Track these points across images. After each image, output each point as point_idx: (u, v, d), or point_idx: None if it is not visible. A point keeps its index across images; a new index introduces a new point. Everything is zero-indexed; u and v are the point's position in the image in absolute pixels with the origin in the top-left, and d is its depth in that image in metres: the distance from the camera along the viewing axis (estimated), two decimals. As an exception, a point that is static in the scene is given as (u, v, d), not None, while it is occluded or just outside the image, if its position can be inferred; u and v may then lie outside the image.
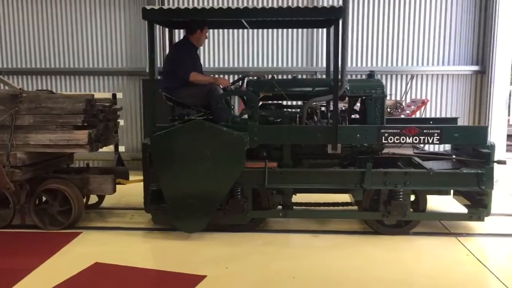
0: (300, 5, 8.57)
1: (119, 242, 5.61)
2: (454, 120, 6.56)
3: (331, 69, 6.06)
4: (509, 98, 9.90)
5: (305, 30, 9.34)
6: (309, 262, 4.99)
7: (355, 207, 6.04)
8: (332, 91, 5.61)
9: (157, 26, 8.82)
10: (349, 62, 9.22)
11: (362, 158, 5.88)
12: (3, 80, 6.21)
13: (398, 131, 5.55)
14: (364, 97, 5.89)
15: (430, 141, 5.57)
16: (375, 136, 5.58)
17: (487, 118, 9.04)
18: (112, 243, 5.60)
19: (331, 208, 6.05)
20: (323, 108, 6.10)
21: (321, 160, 5.97)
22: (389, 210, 5.58)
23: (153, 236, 5.84)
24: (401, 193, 5.57)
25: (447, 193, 6.28)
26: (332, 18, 5.39)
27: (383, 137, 5.55)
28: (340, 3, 8.37)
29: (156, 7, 5.40)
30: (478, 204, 5.66)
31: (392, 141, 5.56)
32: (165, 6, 6.03)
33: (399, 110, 7.73)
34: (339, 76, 5.46)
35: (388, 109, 7.54)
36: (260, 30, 9.39)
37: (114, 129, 6.67)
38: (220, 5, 8.18)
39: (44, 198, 6.04)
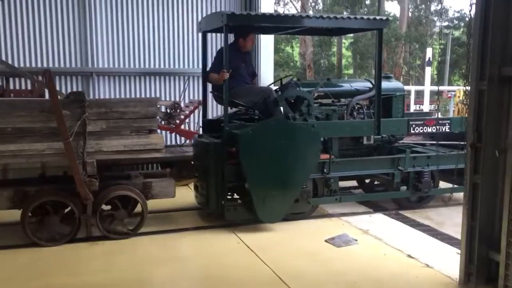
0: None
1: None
2: (428, 113, 8.11)
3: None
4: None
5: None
6: (85, 270, 4.92)
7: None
8: (371, 90, 6.66)
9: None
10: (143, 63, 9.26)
11: (386, 147, 7.04)
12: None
13: (422, 122, 6.81)
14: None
15: (444, 129, 6.95)
16: (405, 127, 6.74)
17: None
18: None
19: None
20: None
21: (352, 150, 6.93)
22: (420, 187, 6.76)
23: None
24: (426, 173, 6.81)
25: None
26: (379, 28, 6.38)
27: (411, 128, 6.75)
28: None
29: (245, 12, 5.74)
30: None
31: (417, 130, 6.80)
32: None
33: (178, 110, 8.02)
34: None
35: (168, 110, 7.97)
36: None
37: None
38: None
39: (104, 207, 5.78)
